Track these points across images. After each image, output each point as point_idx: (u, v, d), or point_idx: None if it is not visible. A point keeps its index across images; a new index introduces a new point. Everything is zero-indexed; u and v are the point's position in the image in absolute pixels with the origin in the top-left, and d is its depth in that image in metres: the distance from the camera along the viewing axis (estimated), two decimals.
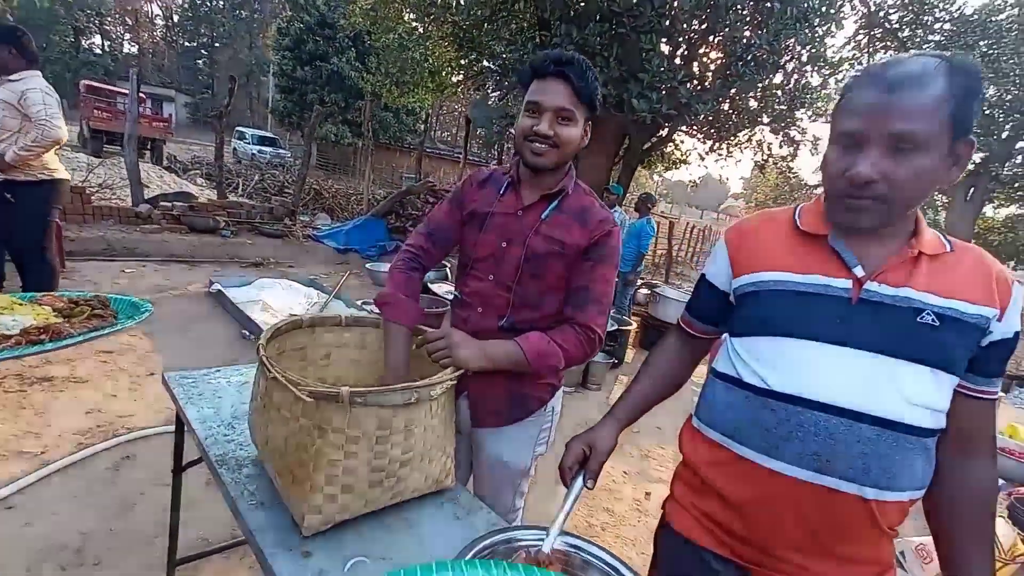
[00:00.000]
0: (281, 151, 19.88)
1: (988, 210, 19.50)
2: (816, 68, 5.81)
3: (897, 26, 8.53)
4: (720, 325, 0.97)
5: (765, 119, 6.12)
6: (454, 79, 8.37)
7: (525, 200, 1.20)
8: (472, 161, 11.49)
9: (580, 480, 0.97)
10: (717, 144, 6.62)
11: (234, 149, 19.84)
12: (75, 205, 5.35)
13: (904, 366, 0.72)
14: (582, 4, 5.42)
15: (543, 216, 1.17)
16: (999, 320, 0.74)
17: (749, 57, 4.89)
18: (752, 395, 0.80)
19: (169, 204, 6.21)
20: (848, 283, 0.77)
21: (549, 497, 2.44)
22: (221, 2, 37.74)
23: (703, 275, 0.98)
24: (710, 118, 5.42)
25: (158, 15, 42.82)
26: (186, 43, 40.83)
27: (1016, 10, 12.44)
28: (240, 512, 0.91)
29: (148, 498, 1.86)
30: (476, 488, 1.33)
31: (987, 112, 15.63)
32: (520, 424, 1.27)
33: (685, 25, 5.19)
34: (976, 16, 10.95)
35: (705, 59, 5.68)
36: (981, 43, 9.53)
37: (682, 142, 8.02)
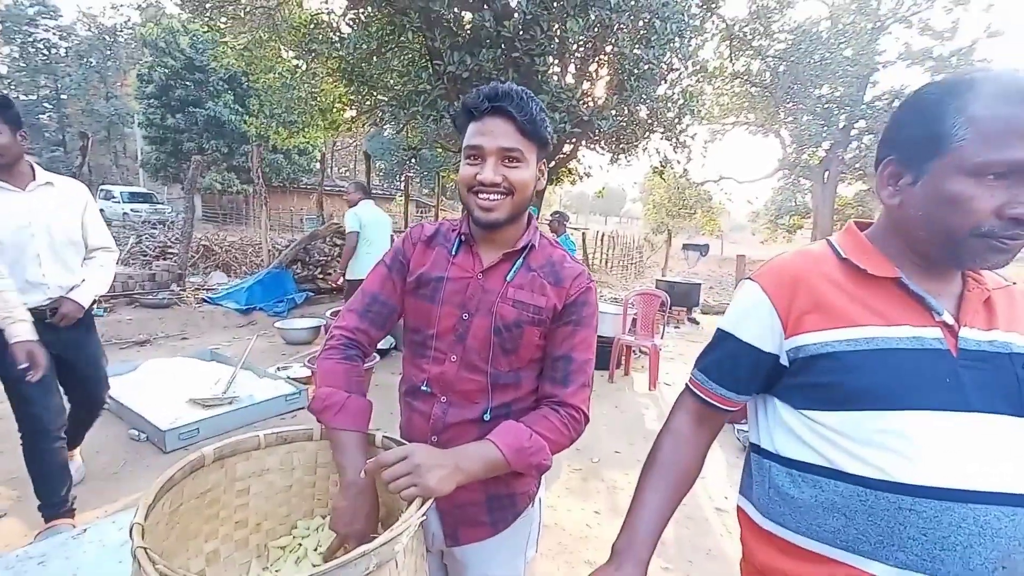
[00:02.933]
0: (159, 206, 17.95)
1: (841, 189, 22.60)
2: (698, 78, 6.24)
3: (750, 37, 9.52)
4: (759, 392, 0.80)
5: (658, 128, 6.45)
6: (347, 115, 8.01)
7: (485, 261, 0.99)
8: (376, 195, 11.05)
9: None
10: (618, 156, 6.87)
11: (101, 210, 17.54)
12: None
13: None
14: (469, 32, 5.39)
15: (508, 277, 0.97)
16: None
17: (638, 71, 5.11)
18: (870, 492, 0.62)
19: None
20: (938, 332, 0.64)
21: None
22: (63, 50, 33.65)
23: (730, 335, 0.79)
24: (612, 132, 5.57)
25: None
26: (22, 96, 35.90)
27: (829, 22, 14.66)
28: None
29: None
30: None
31: (826, 107, 18.17)
32: (509, 530, 1.04)
33: (575, 46, 5.32)
34: (802, 27, 12.67)
35: (596, 76, 5.88)
36: (815, 51, 11.00)
37: (584, 156, 8.29)
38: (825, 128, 19.01)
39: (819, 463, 0.67)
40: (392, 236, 4.82)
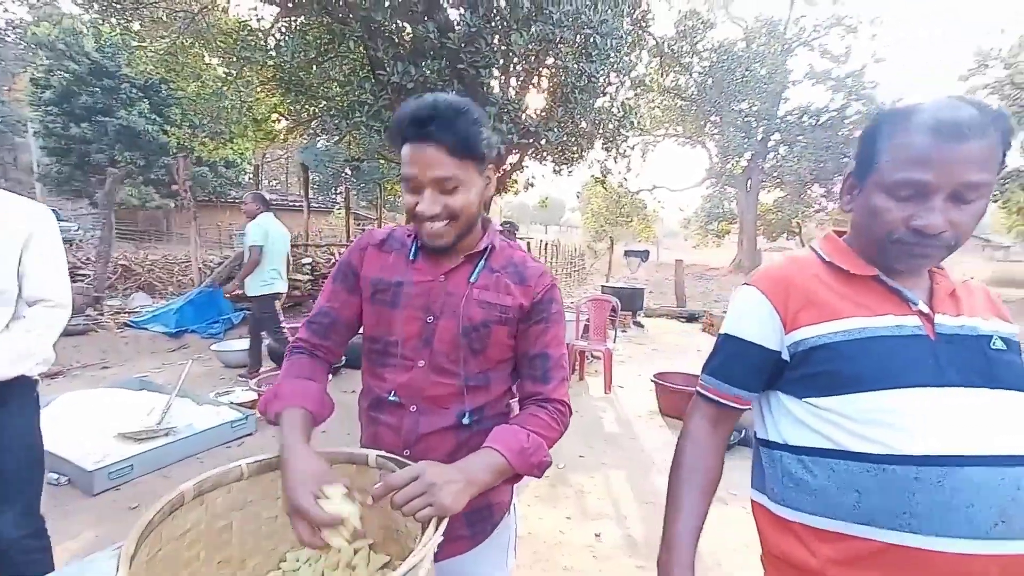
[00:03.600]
0: (63, 223, 16.28)
1: (762, 196, 24.42)
2: (635, 91, 6.52)
3: (678, 54, 10.11)
4: (763, 390, 0.84)
5: (599, 139, 6.68)
6: (281, 125, 7.66)
7: (446, 263, 0.98)
8: (315, 208, 10.66)
9: None
10: (562, 166, 7.04)
11: None
12: None
13: (1006, 395, 0.68)
14: (411, 43, 5.35)
15: (472, 279, 0.97)
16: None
17: (581, 84, 5.27)
18: (878, 467, 0.67)
19: None
20: (916, 320, 0.72)
21: None
22: None
23: (734, 338, 0.83)
24: (558, 143, 5.69)
25: None
26: None
27: (744, 43, 15.95)
28: None
29: None
30: None
31: (746, 120, 19.65)
32: (488, 540, 1.03)
33: (518, 59, 5.41)
34: (723, 46, 13.72)
35: (540, 89, 6.00)
36: (736, 69, 11.93)
37: (527, 167, 8.43)
38: (746, 140, 20.56)
39: (827, 446, 0.72)
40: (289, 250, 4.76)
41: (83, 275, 7.67)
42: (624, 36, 5.60)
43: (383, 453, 0.95)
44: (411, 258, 0.99)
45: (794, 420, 0.77)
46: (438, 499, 0.75)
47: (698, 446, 0.87)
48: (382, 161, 8.77)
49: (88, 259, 8.87)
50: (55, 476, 2.74)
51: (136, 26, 6.47)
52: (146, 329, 5.67)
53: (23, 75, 20.97)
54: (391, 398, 0.98)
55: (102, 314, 5.71)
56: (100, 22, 6.73)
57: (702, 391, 0.89)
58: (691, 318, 9.33)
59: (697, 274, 20.29)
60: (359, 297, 1.02)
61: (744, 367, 0.83)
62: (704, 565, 2.30)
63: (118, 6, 6.08)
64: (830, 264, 0.80)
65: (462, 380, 0.95)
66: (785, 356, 0.78)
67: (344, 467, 0.96)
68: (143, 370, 4.70)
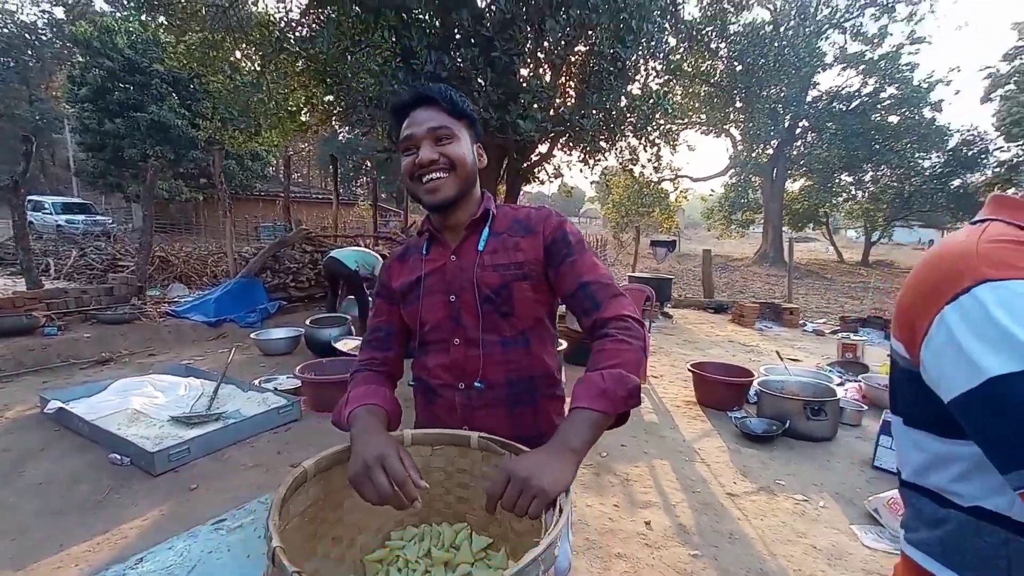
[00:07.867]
0: (99, 217, 16.78)
1: (788, 185, 23.83)
2: (668, 77, 6.40)
3: (707, 39, 9.85)
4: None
5: (630, 126, 6.58)
6: (308, 117, 7.72)
7: (451, 243, 1.04)
8: (344, 201, 10.77)
9: None
10: (592, 155, 6.95)
11: (30, 223, 16.22)
12: None
13: None
14: (444, 31, 5.32)
15: (480, 247, 1.01)
16: None
17: (615, 69, 5.19)
18: None
19: None
20: None
21: None
22: None
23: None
24: (592, 130, 5.62)
25: None
26: None
27: (770, 27, 15.49)
28: None
29: None
30: None
31: (772, 107, 19.11)
32: None
33: (550, 45, 5.35)
34: (752, 30, 13.35)
35: (573, 75, 5.93)
36: (768, 53, 11.59)
37: (554, 156, 8.35)
38: (773, 127, 20.02)
39: None
40: None
41: (124, 266, 7.91)
42: (657, 20, 5.49)
43: (484, 435, 0.95)
44: (424, 253, 1.05)
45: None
46: (538, 488, 0.73)
47: None
48: None
49: (127, 251, 9.14)
50: (118, 456, 2.84)
51: (162, 19, 6.51)
52: (187, 318, 5.82)
53: (60, 73, 21.53)
54: (437, 381, 1.03)
55: (145, 303, 5.88)
56: (130, 19, 6.85)
57: None
58: (719, 309, 9.19)
59: (721, 265, 19.96)
60: (399, 307, 1.08)
61: None
62: (755, 554, 2.28)
63: (155, 2, 6.18)
64: None
65: (499, 348, 0.99)
66: None
67: (446, 449, 0.97)
68: (186, 357, 4.84)
